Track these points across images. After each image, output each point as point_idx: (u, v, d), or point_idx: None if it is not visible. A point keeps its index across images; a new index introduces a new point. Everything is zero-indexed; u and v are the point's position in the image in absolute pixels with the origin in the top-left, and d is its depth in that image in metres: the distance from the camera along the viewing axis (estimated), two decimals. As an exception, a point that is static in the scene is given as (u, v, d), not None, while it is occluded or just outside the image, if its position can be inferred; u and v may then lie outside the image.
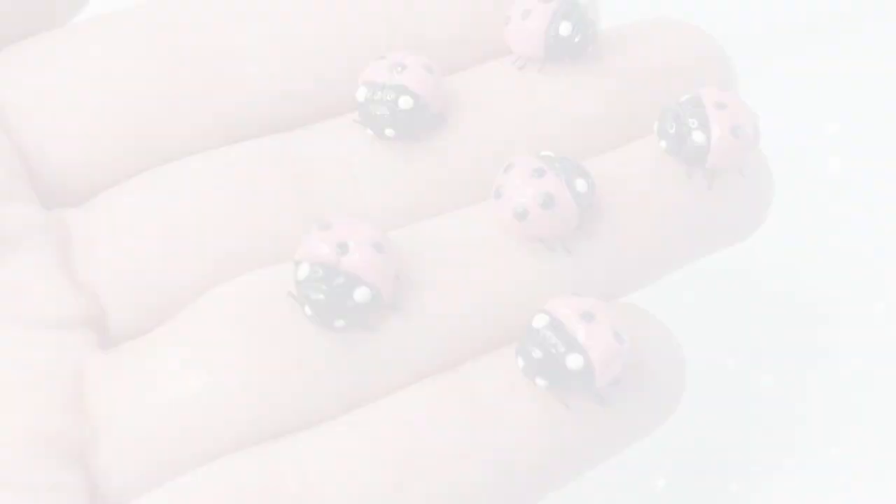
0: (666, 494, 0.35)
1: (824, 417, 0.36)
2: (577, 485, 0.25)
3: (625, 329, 0.23)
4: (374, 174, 0.26)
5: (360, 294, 0.22)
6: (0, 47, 0.27)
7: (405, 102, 0.25)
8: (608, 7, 0.33)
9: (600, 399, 0.23)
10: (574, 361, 0.22)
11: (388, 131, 0.25)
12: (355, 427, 0.22)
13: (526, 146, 0.26)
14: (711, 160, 0.25)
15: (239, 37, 0.27)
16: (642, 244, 0.25)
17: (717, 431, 0.35)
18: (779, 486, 0.35)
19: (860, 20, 0.48)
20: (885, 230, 0.40)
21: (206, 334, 0.23)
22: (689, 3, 0.46)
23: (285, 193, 0.25)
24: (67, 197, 0.26)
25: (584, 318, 0.22)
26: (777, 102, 0.45)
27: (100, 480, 0.22)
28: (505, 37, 0.27)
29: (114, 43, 0.26)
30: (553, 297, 0.23)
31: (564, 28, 0.26)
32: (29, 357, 0.23)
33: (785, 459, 0.35)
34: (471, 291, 0.24)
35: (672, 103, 0.26)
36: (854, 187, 0.42)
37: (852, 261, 0.39)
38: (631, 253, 0.25)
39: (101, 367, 0.23)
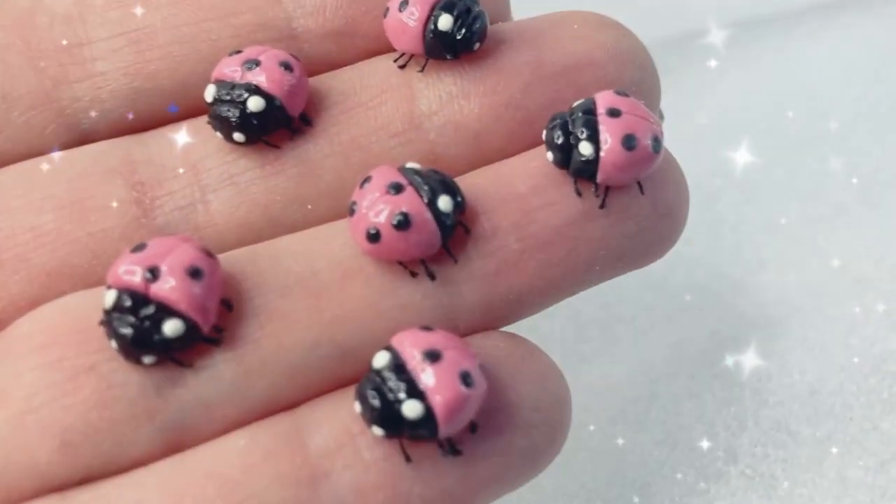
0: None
1: (827, 417, 0.32)
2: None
3: (478, 370, 0.20)
4: (224, 184, 0.23)
5: (171, 327, 0.19)
6: None
7: (255, 104, 0.22)
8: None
9: (451, 449, 0.20)
10: (412, 409, 0.19)
11: (238, 136, 0.23)
12: (164, 479, 0.20)
13: (401, 155, 0.23)
14: (601, 175, 0.22)
15: (86, 29, 0.24)
16: (522, 270, 0.22)
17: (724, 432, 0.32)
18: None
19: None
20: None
21: (10, 365, 0.20)
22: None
23: (125, 204, 0.23)
24: None
25: (428, 358, 0.19)
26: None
27: None
28: (385, 31, 0.24)
29: None
30: (400, 333, 0.20)
31: (444, 22, 0.23)
32: None
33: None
34: (317, 321, 0.21)
35: (562, 111, 0.23)
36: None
37: (855, 262, 0.36)
38: (508, 279, 0.22)
39: None
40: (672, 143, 0.26)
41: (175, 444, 0.20)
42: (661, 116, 0.27)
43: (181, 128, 0.24)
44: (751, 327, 0.35)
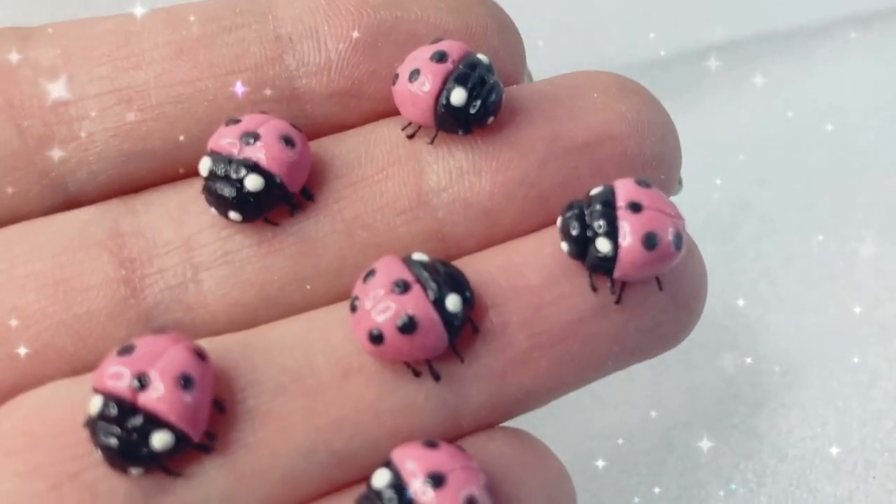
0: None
1: (849, 476, 0.32)
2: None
3: (483, 492, 0.19)
4: (218, 262, 0.22)
5: (160, 439, 0.18)
6: None
7: (253, 182, 0.21)
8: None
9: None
10: (412, 538, 0.18)
11: (234, 214, 0.21)
12: None
13: (407, 234, 0.22)
14: (619, 272, 0.21)
15: (74, 87, 0.22)
16: (531, 367, 0.21)
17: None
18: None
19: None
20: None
21: None
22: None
23: (112, 283, 0.21)
24: None
25: (431, 481, 0.18)
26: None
27: None
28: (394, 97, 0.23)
29: None
30: (402, 447, 0.19)
31: (457, 96, 0.22)
32: None
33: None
34: (313, 426, 0.20)
35: (578, 199, 0.22)
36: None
37: (878, 307, 0.36)
38: (516, 377, 0.21)
39: None
40: (688, 171, 0.25)
41: (162, 555, 0.19)
42: (680, 183, 0.25)
43: (176, 194, 0.22)
44: (769, 375, 0.34)
